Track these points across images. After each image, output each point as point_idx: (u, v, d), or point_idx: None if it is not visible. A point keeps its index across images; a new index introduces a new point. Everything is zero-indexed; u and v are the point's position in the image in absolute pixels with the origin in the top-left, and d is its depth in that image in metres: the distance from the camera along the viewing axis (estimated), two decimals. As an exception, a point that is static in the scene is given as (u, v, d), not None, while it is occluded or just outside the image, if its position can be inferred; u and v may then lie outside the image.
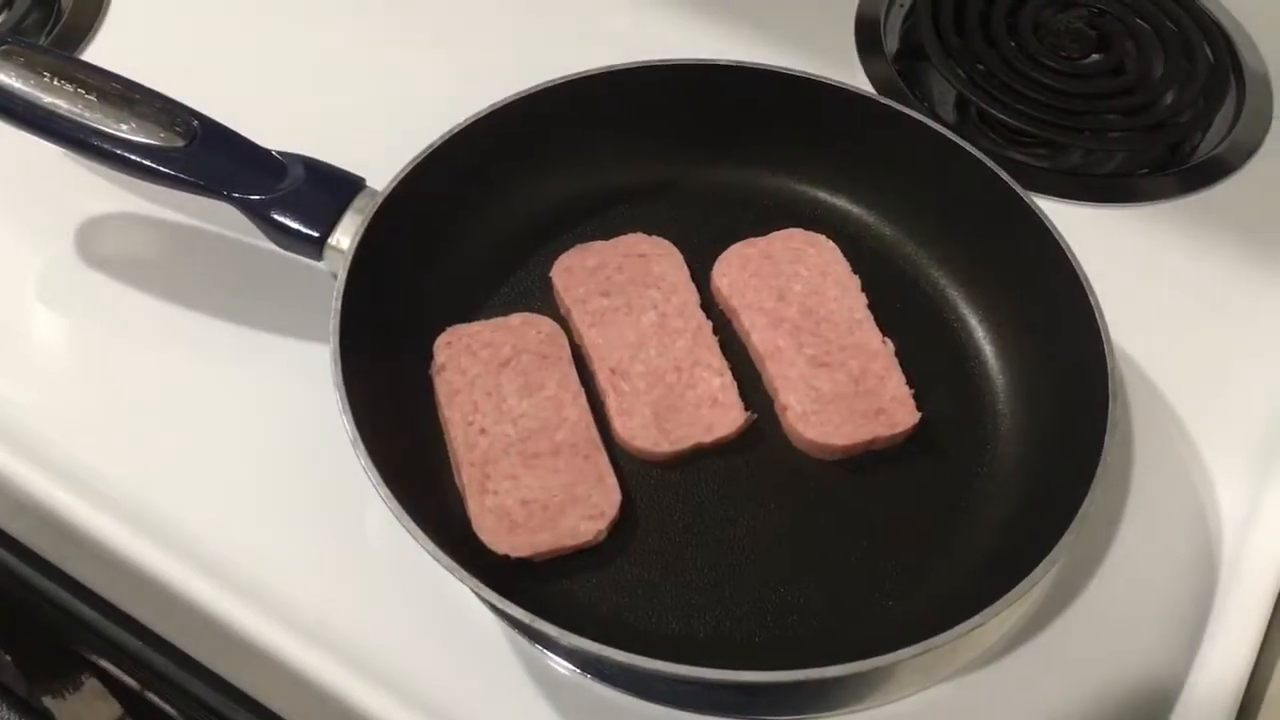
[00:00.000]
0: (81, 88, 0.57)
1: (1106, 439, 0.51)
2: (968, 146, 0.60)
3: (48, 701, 0.81)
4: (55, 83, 0.57)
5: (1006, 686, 0.52)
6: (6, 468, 0.56)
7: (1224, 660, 0.53)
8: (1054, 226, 0.58)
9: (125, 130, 0.56)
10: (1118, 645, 0.53)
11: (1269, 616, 0.54)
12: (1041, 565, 0.48)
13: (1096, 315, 0.55)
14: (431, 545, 0.47)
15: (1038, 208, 0.58)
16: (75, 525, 0.54)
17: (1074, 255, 0.56)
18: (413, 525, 0.47)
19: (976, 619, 0.47)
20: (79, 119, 0.56)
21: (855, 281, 0.60)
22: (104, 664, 0.67)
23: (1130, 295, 0.59)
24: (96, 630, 0.60)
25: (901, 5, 0.77)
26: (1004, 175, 0.59)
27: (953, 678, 0.52)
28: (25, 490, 0.55)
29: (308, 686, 0.51)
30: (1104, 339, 0.54)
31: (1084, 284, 0.56)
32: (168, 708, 0.67)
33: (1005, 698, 0.52)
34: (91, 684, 0.82)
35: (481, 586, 0.46)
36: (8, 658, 0.76)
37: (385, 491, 0.48)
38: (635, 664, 0.45)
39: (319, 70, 0.72)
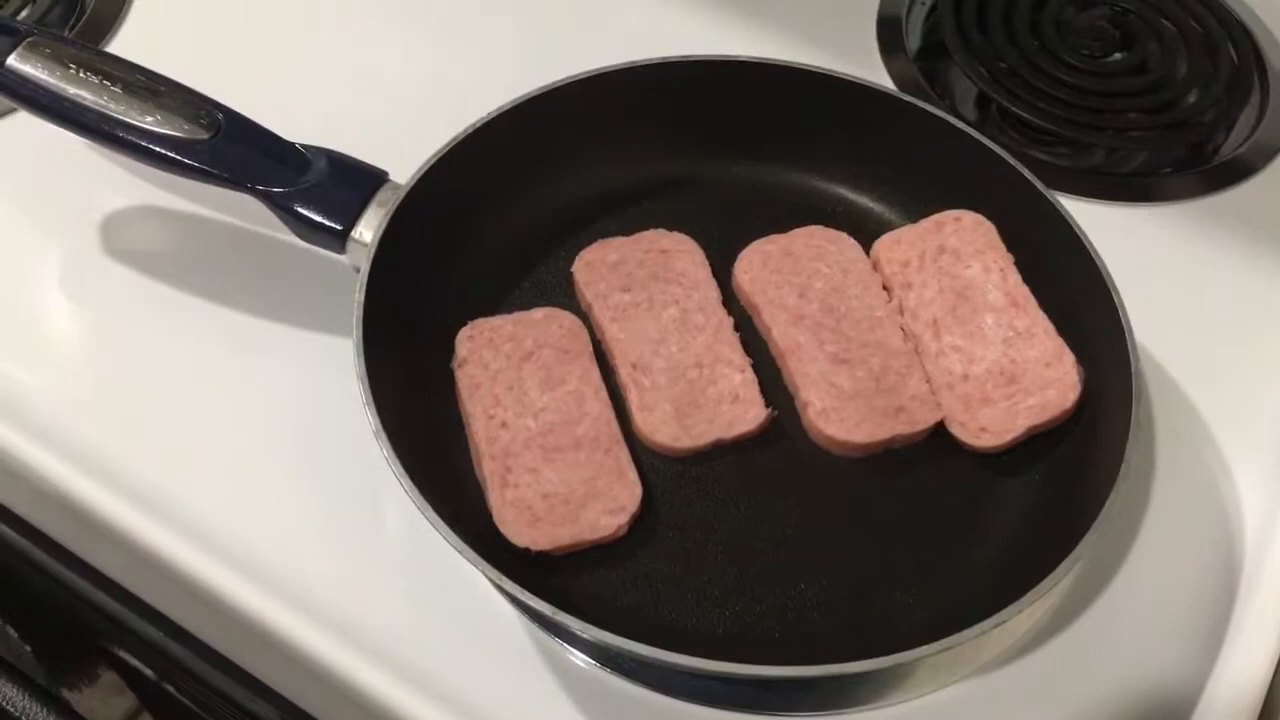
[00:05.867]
0: (106, 79, 0.57)
1: (1130, 438, 0.51)
2: (991, 144, 0.60)
3: (64, 695, 0.81)
4: (80, 74, 0.57)
5: (1026, 686, 0.52)
6: (28, 455, 0.56)
7: (1244, 664, 0.52)
8: (1078, 225, 0.57)
9: (150, 122, 0.57)
10: (1138, 647, 0.53)
11: (1290, 620, 0.54)
12: (1064, 565, 0.48)
13: (1120, 314, 0.55)
14: (454, 537, 0.47)
15: (1061, 206, 0.58)
16: (97, 514, 0.55)
17: (1098, 254, 0.56)
18: (435, 517, 0.47)
19: (997, 618, 0.47)
20: (104, 110, 0.57)
21: (877, 279, 0.60)
22: (123, 654, 0.68)
23: (1152, 295, 0.59)
24: (116, 620, 0.61)
25: (923, 3, 0.77)
26: (1027, 173, 0.59)
27: (972, 676, 0.52)
28: (47, 478, 0.56)
29: (326, 677, 0.51)
30: (1128, 338, 0.54)
31: (1108, 283, 0.55)
32: (185, 699, 0.68)
33: (1024, 697, 0.52)
34: (108, 677, 0.82)
35: (503, 579, 0.46)
36: (28, 649, 0.77)
37: (408, 483, 0.48)
38: (656, 658, 0.45)
39: (342, 64, 0.72)
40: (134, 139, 0.56)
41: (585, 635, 0.46)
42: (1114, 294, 0.55)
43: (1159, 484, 0.57)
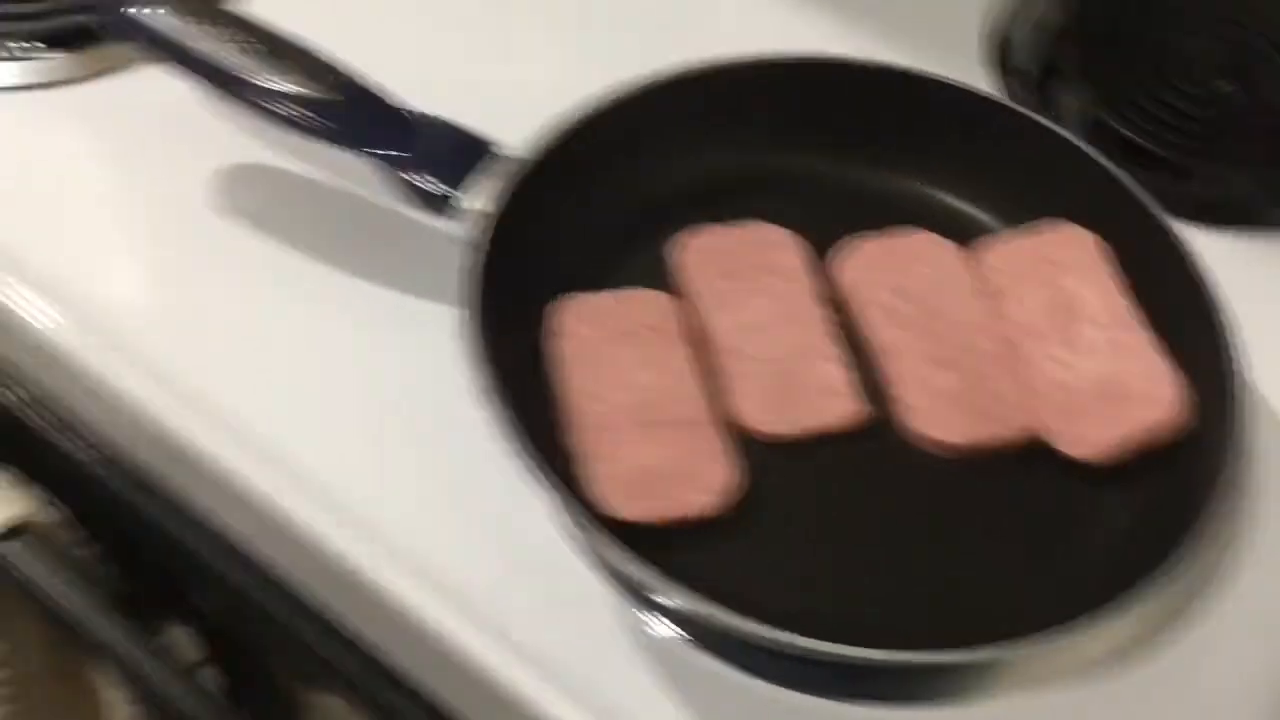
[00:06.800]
0: (237, 35, 0.59)
1: (1228, 462, 0.51)
2: (1107, 164, 0.60)
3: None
4: (214, 29, 0.59)
5: (1117, 700, 0.51)
6: (145, 401, 0.58)
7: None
8: (1187, 246, 0.57)
9: (278, 82, 0.58)
10: (1236, 674, 0.53)
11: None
12: (1155, 581, 0.48)
13: (1228, 343, 0.54)
14: (568, 498, 0.48)
15: (1171, 227, 0.58)
16: (204, 457, 0.57)
17: (1210, 282, 0.56)
18: (544, 479, 0.48)
19: (1091, 620, 0.47)
20: (233, 69, 0.58)
21: (976, 284, 0.60)
22: (201, 601, 0.69)
23: (1257, 326, 0.58)
24: (201, 562, 0.62)
25: (1032, 21, 0.77)
26: (1138, 192, 0.59)
27: (1063, 683, 0.51)
28: (160, 422, 0.58)
29: (410, 627, 0.53)
30: (1233, 362, 0.54)
31: (1217, 311, 0.55)
32: (257, 647, 0.69)
33: (1115, 711, 0.51)
34: (177, 631, 0.83)
35: (610, 544, 0.47)
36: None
37: (518, 443, 0.48)
38: (761, 635, 0.45)
39: (458, 36, 0.73)
40: (259, 100, 0.58)
41: (689, 607, 0.46)
42: (1222, 322, 0.55)
43: (1259, 512, 0.56)
